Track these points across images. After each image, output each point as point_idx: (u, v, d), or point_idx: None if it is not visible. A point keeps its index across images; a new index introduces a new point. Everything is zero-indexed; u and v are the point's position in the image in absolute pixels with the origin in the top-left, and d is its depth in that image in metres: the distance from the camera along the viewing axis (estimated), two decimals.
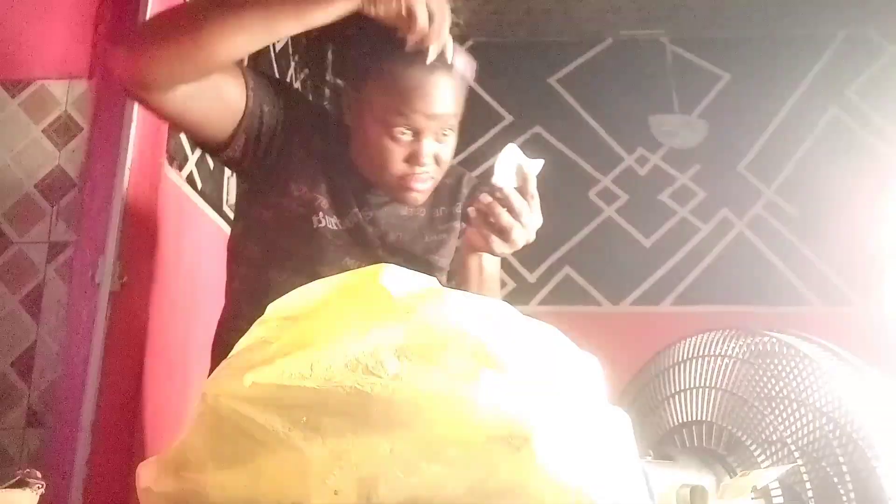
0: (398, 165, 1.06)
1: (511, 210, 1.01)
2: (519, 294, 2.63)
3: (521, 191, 1.02)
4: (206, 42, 0.89)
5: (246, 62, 1.84)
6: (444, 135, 1.08)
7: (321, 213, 1.10)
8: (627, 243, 2.75)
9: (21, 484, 0.72)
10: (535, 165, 1.04)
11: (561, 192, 2.79)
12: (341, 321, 0.64)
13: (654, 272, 2.71)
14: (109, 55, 0.95)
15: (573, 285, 2.71)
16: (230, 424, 0.59)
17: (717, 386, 1.12)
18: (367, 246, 1.13)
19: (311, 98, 2.36)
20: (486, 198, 1.02)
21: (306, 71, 2.40)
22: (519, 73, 2.90)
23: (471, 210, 1.04)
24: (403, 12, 0.92)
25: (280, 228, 1.10)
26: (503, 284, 2.13)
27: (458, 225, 1.24)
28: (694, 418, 1.14)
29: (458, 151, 1.16)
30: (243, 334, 0.71)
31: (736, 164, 2.81)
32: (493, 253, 1.06)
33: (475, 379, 0.60)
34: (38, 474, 0.74)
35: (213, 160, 1.62)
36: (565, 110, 2.90)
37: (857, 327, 2.56)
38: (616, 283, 2.71)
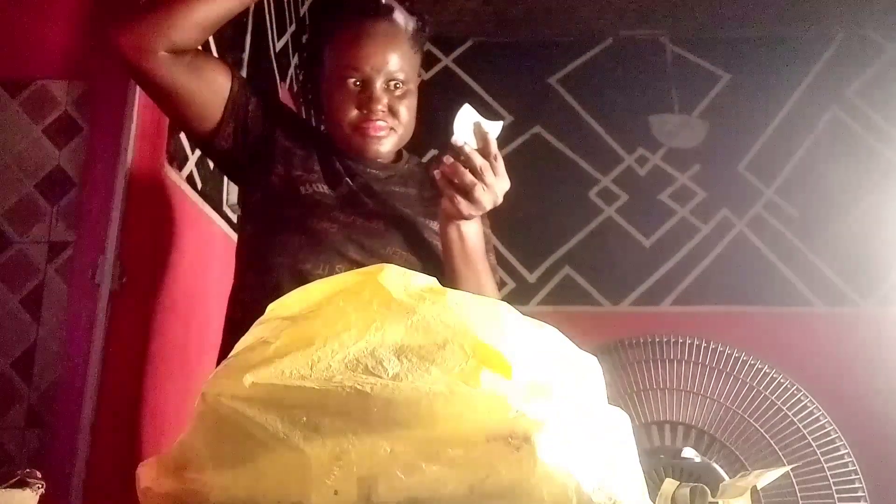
0: (352, 113, 1.16)
1: (473, 170, 1.04)
2: (519, 294, 2.63)
3: (483, 152, 1.05)
4: (192, 9, 1.04)
5: (247, 55, 1.88)
6: (396, 87, 1.17)
7: (309, 184, 1.17)
8: (627, 243, 2.75)
9: (21, 484, 0.72)
10: (494, 127, 1.06)
11: (561, 192, 2.80)
12: (341, 321, 0.65)
13: (654, 272, 2.71)
14: (109, 28, 1.07)
15: (573, 285, 2.70)
16: (230, 424, 0.59)
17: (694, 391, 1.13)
18: (362, 207, 1.18)
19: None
20: (448, 159, 1.06)
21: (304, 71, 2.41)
22: (519, 73, 2.90)
23: (436, 172, 1.08)
24: None
25: (271, 204, 1.18)
26: (503, 284, 2.13)
27: None
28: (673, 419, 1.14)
29: None
30: (252, 302, 0.74)
31: (736, 164, 2.81)
32: (461, 217, 1.09)
33: (475, 379, 0.60)
34: (38, 474, 0.74)
35: (208, 157, 1.65)
36: (565, 110, 2.90)
37: (857, 327, 2.57)
38: (616, 283, 2.70)
